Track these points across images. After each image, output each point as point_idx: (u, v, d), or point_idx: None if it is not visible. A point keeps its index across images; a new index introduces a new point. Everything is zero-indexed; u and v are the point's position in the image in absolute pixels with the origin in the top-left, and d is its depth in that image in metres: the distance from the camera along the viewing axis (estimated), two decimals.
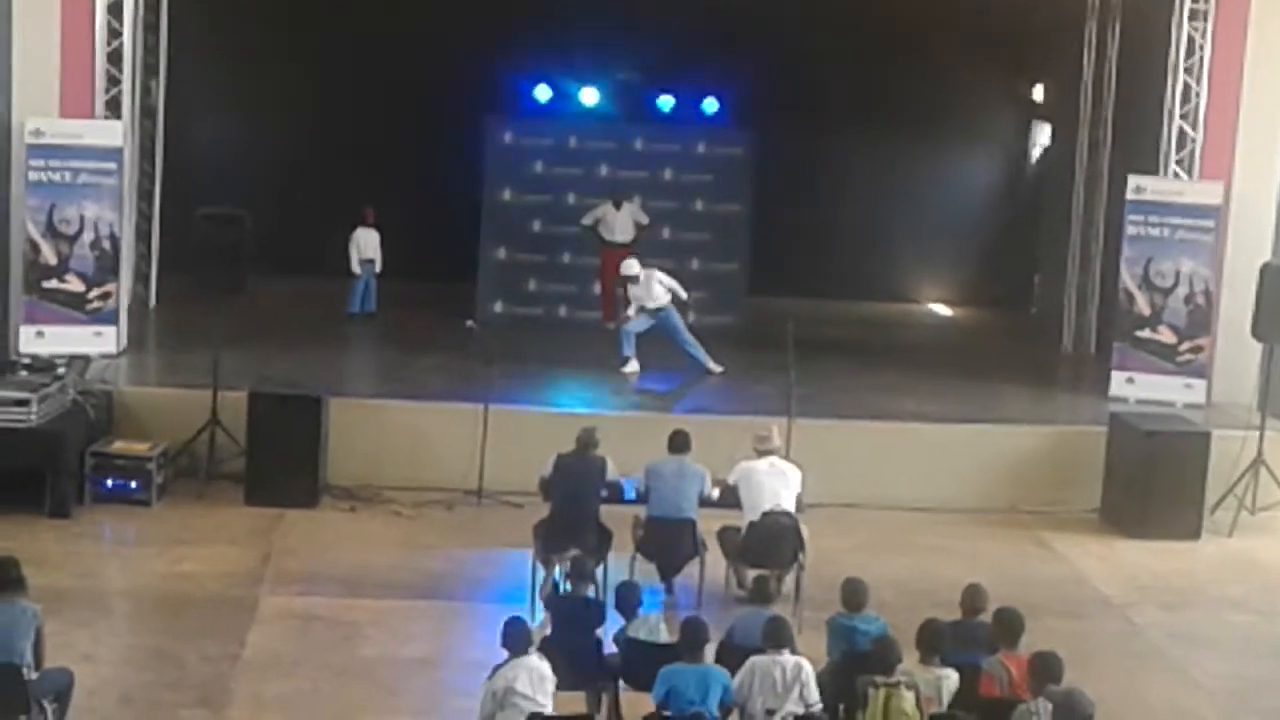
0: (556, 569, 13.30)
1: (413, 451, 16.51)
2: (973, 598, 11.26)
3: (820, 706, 10.37)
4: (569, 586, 12.11)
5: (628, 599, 11.34)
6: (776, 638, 10.46)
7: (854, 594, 11.24)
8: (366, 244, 21.50)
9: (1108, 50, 21.48)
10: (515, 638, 10.26)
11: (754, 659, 10.41)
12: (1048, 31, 22.32)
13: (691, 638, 10.51)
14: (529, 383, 18.12)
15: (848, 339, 21.69)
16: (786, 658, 10.37)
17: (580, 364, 19.33)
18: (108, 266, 17.89)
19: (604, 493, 13.70)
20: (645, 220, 21.57)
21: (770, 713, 10.28)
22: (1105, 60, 21.54)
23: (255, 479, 15.82)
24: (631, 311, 19.01)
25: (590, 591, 11.81)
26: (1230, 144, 18.63)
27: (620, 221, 21.43)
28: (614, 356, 19.19)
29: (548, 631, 11.23)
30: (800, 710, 10.26)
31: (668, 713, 10.22)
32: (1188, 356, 18.57)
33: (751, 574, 12.82)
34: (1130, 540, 16.23)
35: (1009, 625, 10.66)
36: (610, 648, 11.27)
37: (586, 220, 21.50)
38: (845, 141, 23.77)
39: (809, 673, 10.42)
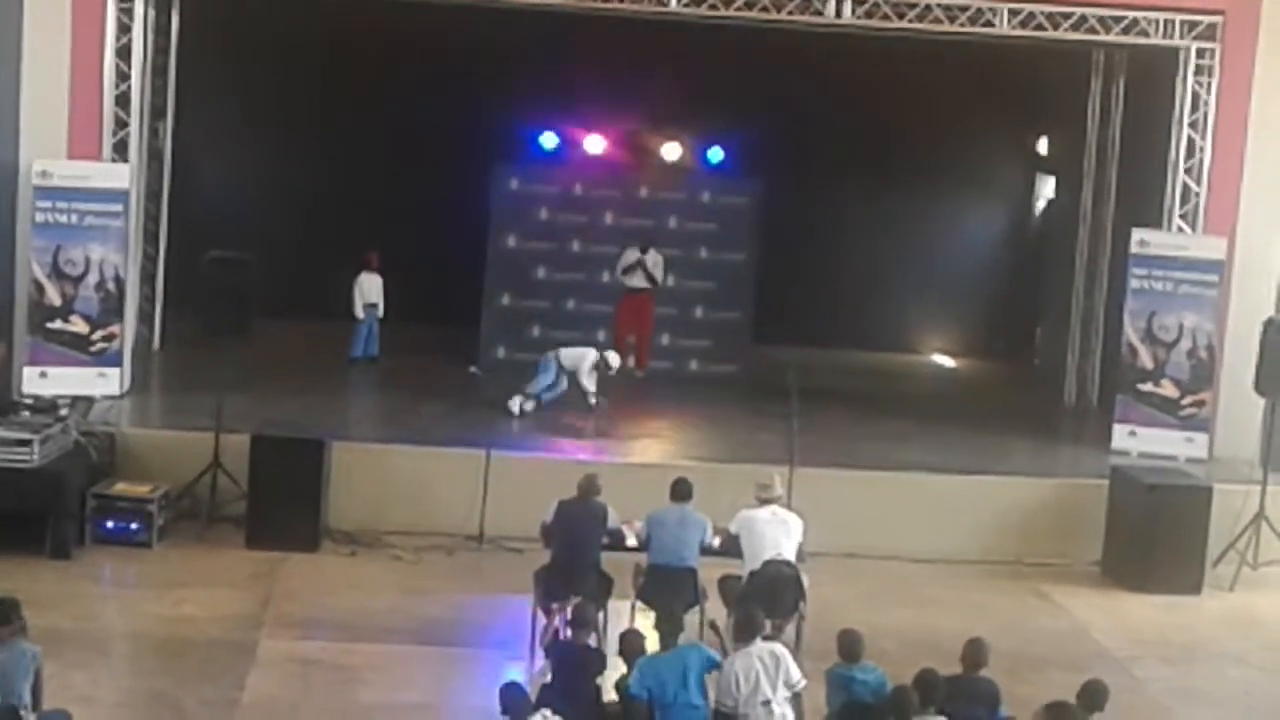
0: (557, 616, 13.27)
1: (414, 496, 16.50)
2: (975, 652, 11.22)
3: (804, 684, 10.76)
4: (570, 634, 12.09)
5: (630, 647, 11.32)
6: (747, 629, 10.56)
7: (851, 645, 11.23)
8: (370, 289, 21.51)
9: (1113, 104, 21.55)
10: (515, 705, 10.23)
11: (730, 657, 10.51)
12: (1053, 85, 22.39)
13: (668, 628, 10.56)
14: (531, 428, 18.18)
15: (851, 388, 21.69)
16: (760, 646, 10.44)
17: (583, 409, 19.30)
18: (112, 308, 17.93)
19: (605, 539, 13.69)
20: (659, 275, 21.57)
21: (766, 703, 10.52)
22: (1110, 114, 21.61)
23: (256, 522, 15.80)
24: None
25: (591, 640, 11.79)
26: (1234, 199, 18.71)
27: (644, 268, 21.48)
28: (619, 402, 19.24)
29: (548, 679, 11.20)
30: (788, 694, 10.60)
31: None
32: (1190, 410, 18.57)
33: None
34: (1132, 594, 16.20)
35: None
36: (610, 695, 11.25)
37: (622, 264, 21.51)
38: (850, 192, 23.82)
39: (785, 654, 10.74)
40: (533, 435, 18.08)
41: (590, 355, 19.01)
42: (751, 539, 13.54)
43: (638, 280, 21.52)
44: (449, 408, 18.65)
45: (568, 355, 19.06)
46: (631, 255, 21.51)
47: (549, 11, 18.70)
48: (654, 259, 21.49)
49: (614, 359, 19.13)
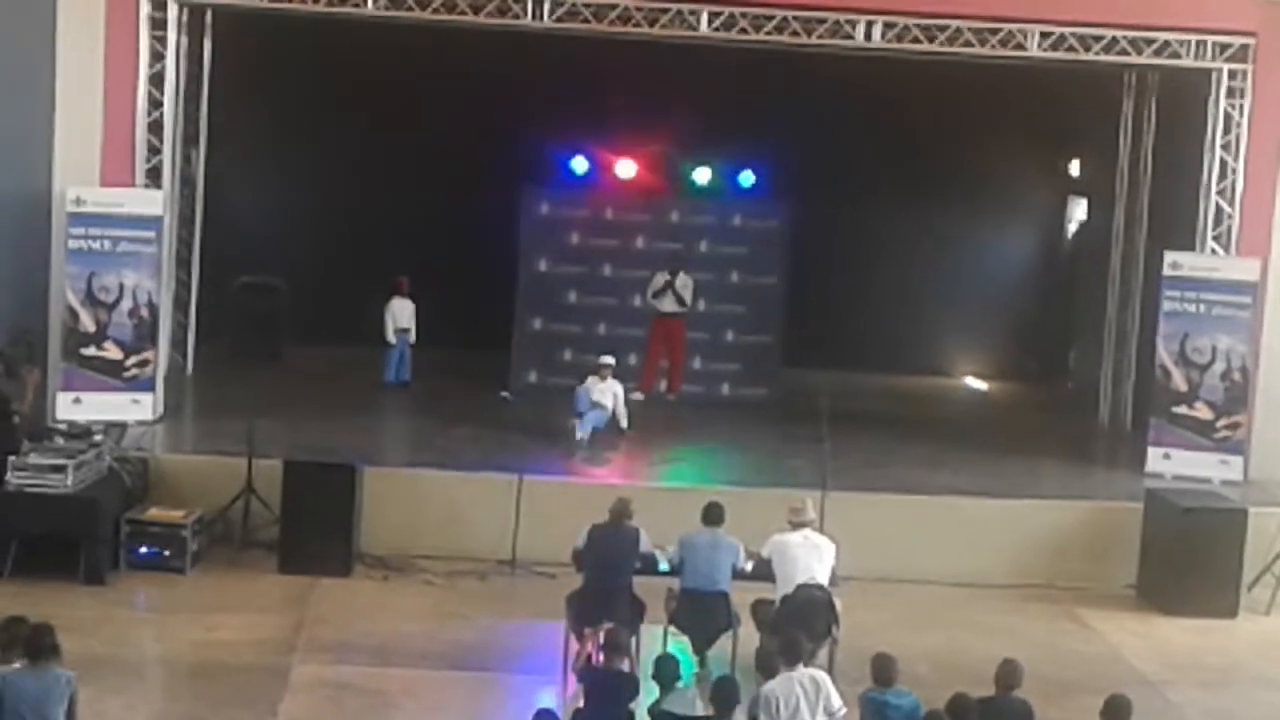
0: (590, 641, 13.25)
1: (446, 521, 16.51)
2: (1008, 674, 11.18)
3: (844, 712, 10.66)
4: (602, 659, 12.07)
5: (665, 671, 11.29)
6: (791, 654, 10.47)
7: (884, 669, 11.19)
8: (401, 314, 21.57)
9: (1145, 126, 21.51)
10: None
11: (769, 683, 10.44)
12: (1085, 107, 22.35)
13: (723, 697, 10.50)
14: (564, 453, 18.23)
15: (883, 412, 21.66)
16: (801, 672, 10.38)
17: (615, 434, 19.32)
18: (146, 334, 18.00)
19: (637, 564, 13.67)
20: (689, 297, 21.58)
21: None
22: (1142, 136, 21.57)
23: (289, 547, 15.83)
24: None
25: (624, 665, 11.76)
26: (1267, 221, 18.66)
27: (674, 292, 21.51)
28: (650, 426, 19.25)
29: (580, 705, 11.18)
30: None
31: None
32: (1224, 433, 18.50)
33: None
34: (1167, 617, 16.13)
35: (1116, 711, 10.60)
36: None
37: (653, 287, 21.52)
38: (881, 215, 23.80)
39: (826, 681, 10.65)
40: (565, 460, 18.07)
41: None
42: (784, 563, 13.50)
43: (668, 304, 21.53)
44: (481, 432, 18.66)
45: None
46: (660, 279, 21.52)
47: (580, 36, 18.74)
48: (683, 281, 21.50)
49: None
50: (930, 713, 10.57)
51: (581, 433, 18.65)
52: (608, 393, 19.10)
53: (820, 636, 13.41)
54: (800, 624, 13.26)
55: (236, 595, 15.18)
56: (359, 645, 14.12)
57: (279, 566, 15.79)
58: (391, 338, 21.53)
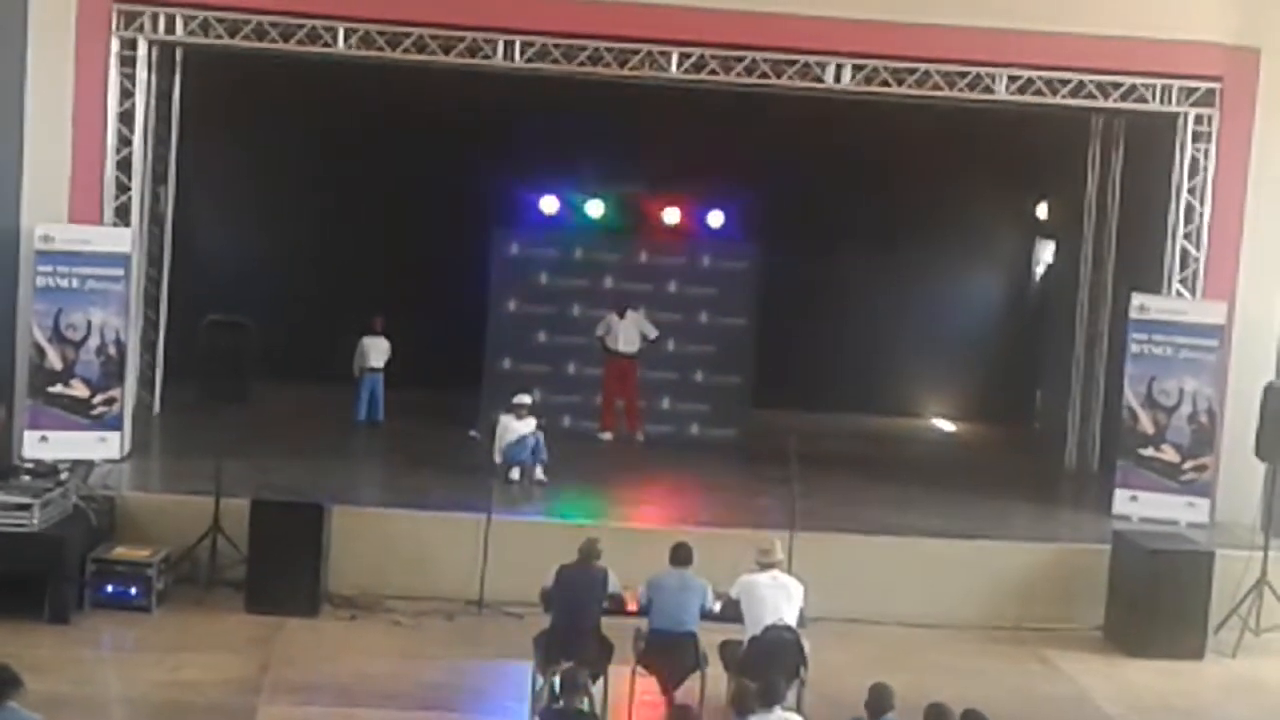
0: (555, 680, 13.21)
1: (414, 561, 16.46)
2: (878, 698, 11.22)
3: None
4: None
5: None
6: (768, 697, 10.40)
7: (879, 698, 11.17)
8: (373, 352, 21.57)
9: (1111, 169, 21.63)
10: None
11: None
12: (1053, 150, 22.46)
13: None
14: (530, 493, 18.21)
15: (851, 453, 21.69)
16: (779, 714, 10.31)
17: (583, 475, 19.33)
18: (113, 372, 17.95)
19: (605, 604, 13.64)
20: (653, 334, 21.65)
21: None
22: (1109, 179, 21.68)
23: (256, 586, 15.77)
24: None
25: (584, 703, 11.70)
26: (1233, 263, 18.76)
27: (624, 331, 21.54)
28: (619, 466, 19.21)
29: None
30: None
31: None
32: (1191, 475, 18.56)
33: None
34: (1133, 659, 16.14)
35: None
36: None
37: (599, 331, 21.60)
38: (850, 257, 23.90)
39: None
40: (533, 500, 18.06)
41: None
42: (752, 604, 13.50)
43: (620, 344, 21.52)
44: (449, 472, 18.61)
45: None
46: (607, 323, 21.54)
47: (550, 77, 18.79)
48: (632, 318, 21.49)
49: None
50: None
51: (513, 474, 18.62)
52: (525, 430, 18.99)
53: (789, 677, 13.39)
54: (768, 665, 13.27)
55: (203, 635, 15.11)
56: (326, 685, 14.05)
57: (246, 606, 15.72)
58: (357, 374, 21.52)
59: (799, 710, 13.01)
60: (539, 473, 18.76)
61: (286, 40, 18.17)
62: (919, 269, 24.34)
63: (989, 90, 18.53)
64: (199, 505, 16.34)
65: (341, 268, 22.81)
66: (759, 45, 18.41)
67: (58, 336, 17.71)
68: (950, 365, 25.26)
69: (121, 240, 18.02)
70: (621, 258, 22.29)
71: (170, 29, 18.26)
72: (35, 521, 15.11)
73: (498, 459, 18.44)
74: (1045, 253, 25.07)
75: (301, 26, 18.14)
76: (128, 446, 18.25)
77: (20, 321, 17.80)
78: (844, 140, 21.77)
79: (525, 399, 19.24)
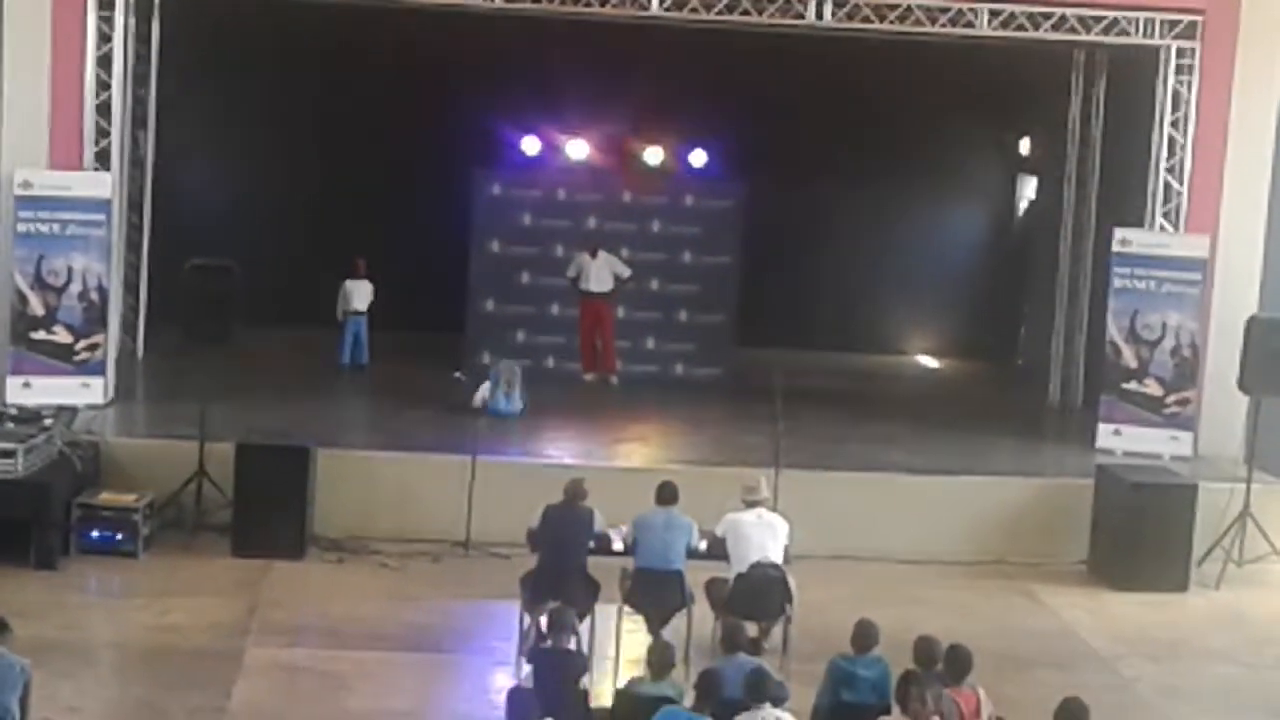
0: (542, 619, 13.26)
1: (400, 503, 16.49)
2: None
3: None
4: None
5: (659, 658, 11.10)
6: (757, 690, 10.41)
7: (863, 634, 11.23)
8: (356, 294, 21.52)
9: (1094, 104, 21.57)
10: (522, 708, 10.21)
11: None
12: (1034, 85, 22.41)
13: (706, 686, 10.43)
14: (516, 433, 18.19)
15: (835, 390, 21.71)
16: (768, 711, 10.34)
17: (568, 414, 19.35)
18: (95, 318, 17.90)
19: (591, 544, 13.68)
20: (625, 273, 21.56)
21: None
22: (1091, 114, 21.63)
23: (242, 530, 15.78)
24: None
25: (571, 643, 11.74)
26: (1216, 197, 18.74)
27: (596, 271, 21.46)
28: (603, 406, 19.22)
29: (530, 685, 11.18)
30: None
31: None
32: (1174, 409, 18.61)
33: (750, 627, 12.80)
34: (1117, 592, 16.22)
35: (957, 662, 10.65)
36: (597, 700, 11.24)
37: (570, 272, 21.56)
38: (833, 193, 23.84)
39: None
40: (519, 440, 18.07)
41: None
42: (738, 542, 13.54)
43: (592, 284, 21.48)
44: (434, 414, 18.63)
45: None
46: (578, 264, 21.52)
47: (529, 16, 18.70)
48: (604, 258, 21.46)
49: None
50: (904, 674, 10.57)
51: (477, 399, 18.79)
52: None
53: (774, 615, 13.48)
54: (754, 603, 13.36)
55: (189, 579, 15.13)
56: (313, 628, 14.10)
57: (232, 550, 15.74)
58: (340, 317, 21.50)
59: (785, 647, 13.14)
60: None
61: None
62: (901, 206, 24.31)
63: (970, 25, 18.47)
64: (184, 450, 16.33)
65: (324, 209, 22.75)
66: None
67: (39, 283, 17.65)
68: (934, 302, 25.27)
69: (102, 185, 17.94)
70: (604, 197, 22.23)
71: None
72: (20, 468, 15.10)
73: (477, 403, 18.51)
74: (1028, 188, 25.05)
75: None
76: (111, 392, 18.22)
77: (1, 268, 17.74)
78: (826, 78, 21.70)
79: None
